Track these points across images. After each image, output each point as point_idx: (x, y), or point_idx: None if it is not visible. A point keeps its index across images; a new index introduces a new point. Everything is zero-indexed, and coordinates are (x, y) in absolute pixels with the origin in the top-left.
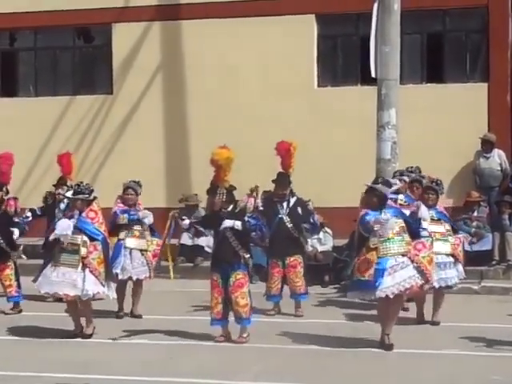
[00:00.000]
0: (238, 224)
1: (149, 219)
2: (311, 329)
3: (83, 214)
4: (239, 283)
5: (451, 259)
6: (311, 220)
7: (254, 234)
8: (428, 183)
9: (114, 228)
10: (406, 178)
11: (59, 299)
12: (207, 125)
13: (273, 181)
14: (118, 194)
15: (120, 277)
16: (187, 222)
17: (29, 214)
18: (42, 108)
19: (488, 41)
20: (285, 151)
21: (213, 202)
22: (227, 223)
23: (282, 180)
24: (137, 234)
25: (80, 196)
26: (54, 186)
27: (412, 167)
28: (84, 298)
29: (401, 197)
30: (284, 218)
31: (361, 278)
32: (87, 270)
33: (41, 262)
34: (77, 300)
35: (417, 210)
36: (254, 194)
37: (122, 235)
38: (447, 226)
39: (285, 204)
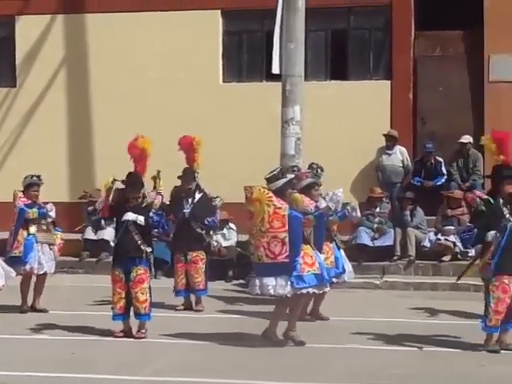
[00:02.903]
0: (140, 219)
1: (53, 212)
2: (212, 324)
3: None
4: (140, 279)
5: None
6: (205, 222)
7: (155, 230)
8: (312, 180)
9: (23, 223)
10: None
11: None
12: (112, 119)
13: (178, 177)
14: (20, 187)
15: (36, 271)
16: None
17: None
18: None
19: (391, 39)
20: (188, 146)
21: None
22: (130, 216)
23: (187, 175)
24: (44, 227)
25: None
26: None
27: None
28: None
29: None
30: (186, 213)
31: (313, 271)
32: None
33: None
34: None
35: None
36: (158, 180)
37: (32, 230)
38: None
39: (190, 200)
